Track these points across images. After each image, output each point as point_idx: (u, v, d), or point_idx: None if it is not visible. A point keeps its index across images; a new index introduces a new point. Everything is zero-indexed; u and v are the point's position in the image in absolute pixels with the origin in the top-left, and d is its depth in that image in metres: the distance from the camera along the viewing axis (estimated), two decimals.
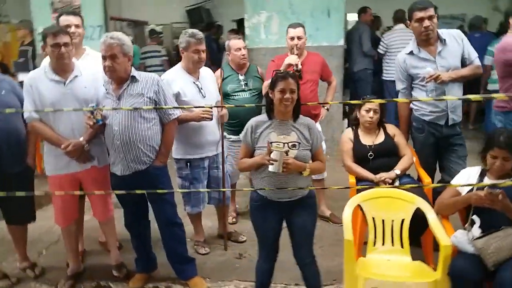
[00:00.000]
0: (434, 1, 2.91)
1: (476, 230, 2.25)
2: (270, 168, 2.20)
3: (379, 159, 2.97)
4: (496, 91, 4.00)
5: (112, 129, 2.57)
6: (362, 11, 5.73)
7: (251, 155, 2.40)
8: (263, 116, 2.41)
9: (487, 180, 2.38)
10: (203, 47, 3.01)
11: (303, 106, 2.37)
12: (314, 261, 2.42)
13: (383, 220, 2.62)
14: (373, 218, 2.62)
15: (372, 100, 3.01)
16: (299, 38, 3.33)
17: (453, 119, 2.99)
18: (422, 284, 2.27)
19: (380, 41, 5.81)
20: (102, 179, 2.82)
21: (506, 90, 3.07)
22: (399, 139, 3.04)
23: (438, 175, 3.16)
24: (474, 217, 2.29)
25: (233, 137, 3.52)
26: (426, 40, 2.91)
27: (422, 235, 2.73)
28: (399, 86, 3.13)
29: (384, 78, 5.85)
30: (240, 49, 3.47)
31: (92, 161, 2.76)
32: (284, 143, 2.26)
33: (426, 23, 2.84)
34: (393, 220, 2.61)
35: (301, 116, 2.35)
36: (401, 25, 5.62)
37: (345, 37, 5.64)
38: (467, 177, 2.47)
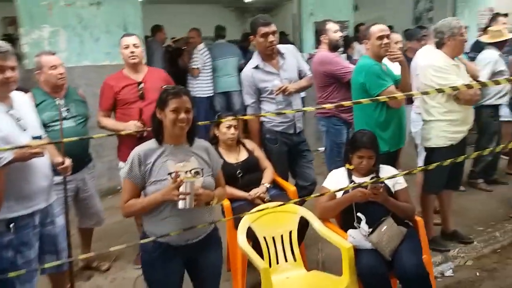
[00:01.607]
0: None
1: (364, 226, 2.43)
2: (180, 204, 1.79)
3: (247, 175, 2.88)
4: None
5: None
6: (156, 29, 5.52)
7: (139, 194, 1.90)
8: (150, 143, 1.95)
9: (354, 179, 2.61)
10: (10, 63, 2.20)
11: None
12: None
13: (273, 237, 2.53)
14: (264, 238, 2.50)
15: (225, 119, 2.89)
16: (135, 46, 2.89)
17: (299, 127, 3.19)
18: None
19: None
20: None
21: (326, 98, 3.51)
22: (258, 152, 3.04)
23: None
24: (359, 214, 2.47)
25: (57, 179, 2.72)
26: (271, 54, 3.01)
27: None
28: (248, 100, 3.13)
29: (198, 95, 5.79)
30: (55, 66, 2.75)
31: None
32: (185, 172, 1.88)
33: (271, 38, 2.93)
34: (282, 235, 2.55)
35: (196, 138, 2.01)
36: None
37: None
38: (336, 179, 2.66)
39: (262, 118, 3.13)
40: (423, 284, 2.26)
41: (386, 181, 2.54)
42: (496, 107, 4.07)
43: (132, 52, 2.86)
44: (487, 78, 3.80)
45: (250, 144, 3.06)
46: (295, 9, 6.04)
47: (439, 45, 3.00)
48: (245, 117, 2.87)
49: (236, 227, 2.54)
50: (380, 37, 2.86)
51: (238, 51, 6.26)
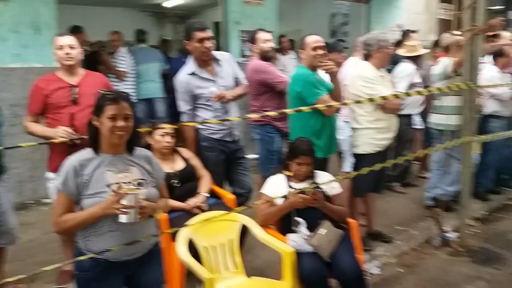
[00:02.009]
0: None
1: (304, 230, 2.49)
2: (123, 218, 1.67)
3: (185, 185, 2.79)
4: None
5: None
6: (75, 31, 5.11)
7: (74, 208, 1.74)
8: (86, 152, 1.80)
9: (293, 185, 2.67)
10: None
11: None
12: None
13: (214, 247, 2.47)
14: (206, 248, 2.44)
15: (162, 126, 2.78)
16: (71, 47, 2.64)
17: (236, 135, 3.18)
18: None
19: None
20: None
21: (260, 106, 3.55)
22: (195, 161, 2.96)
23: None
24: (299, 219, 2.52)
25: None
26: (207, 60, 2.96)
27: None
28: (184, 107, 3.04)
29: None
30: None
31: None
32: (127, 183, 1.76)
33: (208, 43, 2.89)
34: (223, 244, 2.51)
35: (136, 147, 1.90)
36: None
37: None
38: (276, 186, 2.69)
39: (198, 126, 3.06)
40: (360, 282, 2.38)
41: (322, 186, 2.64)
42: (410, 116, 4.46)
43: (67, 54, 2.61)
44: (405, 89, 4.15)
45: (186, 152, 2.97)
46: (220, 17, 6.05)
47: (366, 57, 3.20)
48: (184, 124, 2.77)
49: (173, 239, 2.46)
50: (315, 48, 2.97)
51: (161, 56, 6.10)
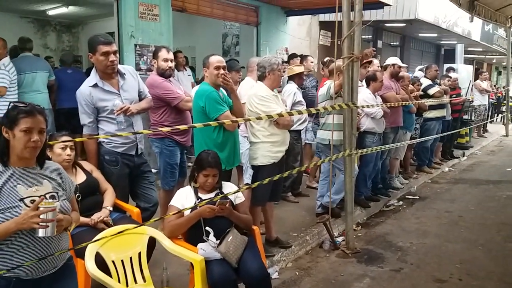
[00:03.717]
0: None
1: (213, 238, 2.60)
2: (41, 233, 1.61)
3: (87, 199, 2.69)
4: None
5: None
6: None
7: None
8: None
9: (201, 196, 2.77)
10: None
11: None
12: None
13: (122, 261, 2.44)
14: (113, 262, 2.39)
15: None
16: None
17: (141, 148, 3.17)
18: None
19: None
20: None
21: (159, 121, 3.59)
22: (97, 174, 2.88)
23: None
24: (208, 228, 2.62)
25: None
26: (111, 74, 2.93)
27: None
28: (86, 120, 2.95)
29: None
30: None
31: None
32: (39, 196, 1.70)
33: (113, 57, 2.87)
34: (131, 257, 2.49)
35: (46, 160, 1.84)
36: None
37: None
38: (184, 197, 2.76)
39: (102, 139, 2.98)
40: (266, 284, 2.56)
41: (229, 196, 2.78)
42: (299, 132, 4.88)
43: None
44: (290, 107, 4.55)
45: (87, 165, 2.88)
46: (113, 28, 5.89)
47: (261, 78, 3.48)
48: (89, 138, 2.68)
49: (77, 255, 2.37)
50: (217, 67, 3.14)
51: (48, 66, 5.70)
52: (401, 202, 5.54)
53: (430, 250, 3.97)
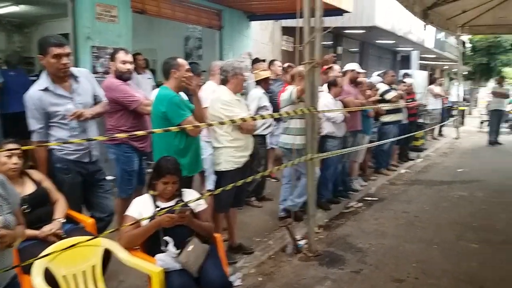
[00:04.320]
0: None
1: (172, 248, 2.50)
2: None
3: (36, 210, 2.53)
4: None
5: None
6: None
7: None
8: None
9: (160, 204, 2.67)
10: None
11: None
12: None
13: (74, 275, 2.30)
14: (65, 277, 2.25)
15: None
16: None
17: (95, 155, 3.02)
18: None
19: None
20: None
21: (115, 125, 3.46)
22: (47, 184, 2.71)
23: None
24: (167, 238, 2.53)
25: None
26: (63, 77, 2.78)
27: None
28: (35, 125, 2.77)
29: None
30: None
31: None
32: None
33: (65, 60, 2.72)
34: (84, 271, 2.36)
35: None
36: None
37: None
38: (141, 206, 2.65)
39: (53, 146, 2.82)
40: None
41: (189, 204, 2.70)
42: (263, 136, 4.86)
43: None
44: (254, 111, 4.53)
45: (36, 174, 2.70)
46: (68, 29, 5.64)
47: (224, 82, 3.42)
48: (39, 146, 2.51)
49: (25, 271, 2.21)
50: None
51: None
52: (360, 204, 5.62)
53: (388, 251, 4.05)
